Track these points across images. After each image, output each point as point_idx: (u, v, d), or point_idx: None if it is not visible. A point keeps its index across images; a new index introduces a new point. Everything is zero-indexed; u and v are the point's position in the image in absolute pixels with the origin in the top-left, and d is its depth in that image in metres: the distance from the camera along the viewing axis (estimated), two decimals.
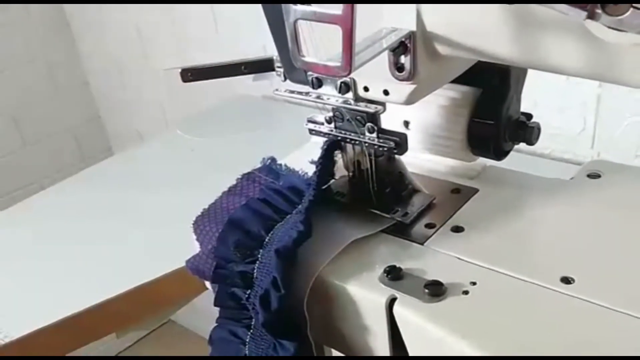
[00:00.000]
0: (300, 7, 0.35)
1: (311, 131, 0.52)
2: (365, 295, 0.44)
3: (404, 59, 0.43)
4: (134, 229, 0.96)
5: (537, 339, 0.39)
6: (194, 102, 1.53)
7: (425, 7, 0.40)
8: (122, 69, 1.80)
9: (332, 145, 0.51)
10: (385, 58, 0.43)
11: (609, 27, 0.29)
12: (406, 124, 0.56)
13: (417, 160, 0.56)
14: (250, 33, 1.30)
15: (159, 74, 1.65)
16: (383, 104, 0.47)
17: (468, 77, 0.50)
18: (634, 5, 0.27)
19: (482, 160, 0.56)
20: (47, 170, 1.87)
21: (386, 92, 0.46)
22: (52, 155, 1.91)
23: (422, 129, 0.55)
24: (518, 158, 0.57)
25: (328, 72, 0.37)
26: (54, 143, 1.92)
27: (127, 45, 1.72)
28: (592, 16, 0.29)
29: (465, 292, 0.42)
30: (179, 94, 1.63)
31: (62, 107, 1.92)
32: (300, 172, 0.56)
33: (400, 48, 0.42)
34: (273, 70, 0.53)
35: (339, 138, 0.51)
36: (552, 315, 0.40)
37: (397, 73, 0.43)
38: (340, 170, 0.53)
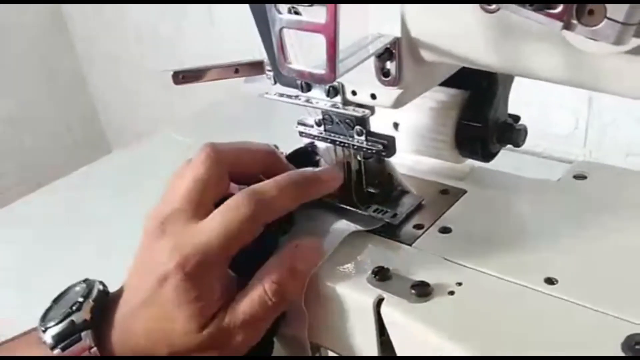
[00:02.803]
0: (285, 16, 0.36)
1: (301, 133, 0.53)
2: (353, 295, 0.45)
3: (390, 65, 0.43)
4: (130, 229, 0.96)
5: (521, 339, 0.39)
6: (191, 102, 1.53)
7: (410, 14, 0.41)
8: (120, 70, 1.80)
9: (299, 153, 0.52)
10: (372, 63, 0.44)
11: (586, 37, 0.30)
12: (395, 125, 0.56)
13: (407, 162, 0.57)
14: (248, 34, 1.30)
15: (155, 74, 1.65)
16: (371, 108, 0.48)
17: (456, 79, 0.51)
18: (607, 16, 0.28)
19: (471, 162, 0.56)
20: (44, 170, 1.87)
21: (373, 96, 0.46)
22: (50, 155, 1.91)
23: (412, 130, 0.56)
24: (511, 157, 0.57)
25: (313, 79, 0.38)
26: (52, 143, 1.92)
27: (125, 46, 1.73)
28: (567, 27, 0.30)
29: (451, 293, 0.43)
30: (176, 95, 1.64)
31: (60, 108, 1.92)
32: None
33: (386, 54, 0.43)
34: (264, 73, 0.53)
35: (326, 142, 0.51)
36: (536, 315, 0.41)
37: (383, 78, 0.44)
38: None
